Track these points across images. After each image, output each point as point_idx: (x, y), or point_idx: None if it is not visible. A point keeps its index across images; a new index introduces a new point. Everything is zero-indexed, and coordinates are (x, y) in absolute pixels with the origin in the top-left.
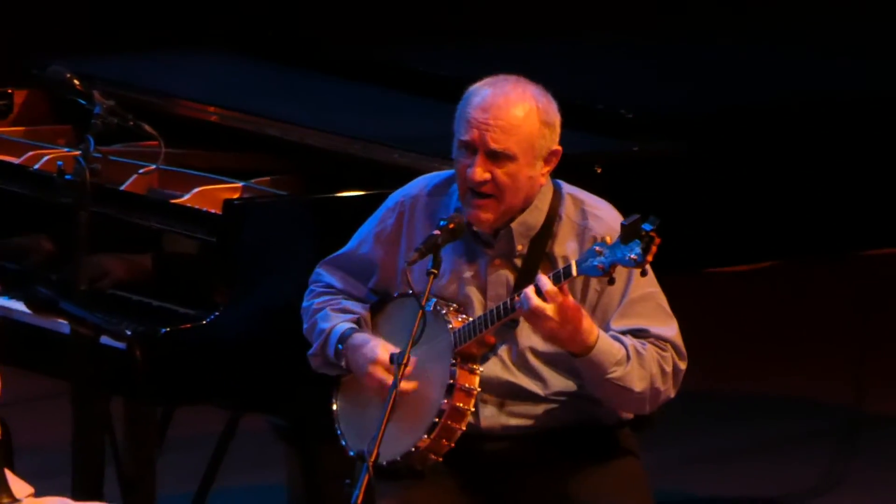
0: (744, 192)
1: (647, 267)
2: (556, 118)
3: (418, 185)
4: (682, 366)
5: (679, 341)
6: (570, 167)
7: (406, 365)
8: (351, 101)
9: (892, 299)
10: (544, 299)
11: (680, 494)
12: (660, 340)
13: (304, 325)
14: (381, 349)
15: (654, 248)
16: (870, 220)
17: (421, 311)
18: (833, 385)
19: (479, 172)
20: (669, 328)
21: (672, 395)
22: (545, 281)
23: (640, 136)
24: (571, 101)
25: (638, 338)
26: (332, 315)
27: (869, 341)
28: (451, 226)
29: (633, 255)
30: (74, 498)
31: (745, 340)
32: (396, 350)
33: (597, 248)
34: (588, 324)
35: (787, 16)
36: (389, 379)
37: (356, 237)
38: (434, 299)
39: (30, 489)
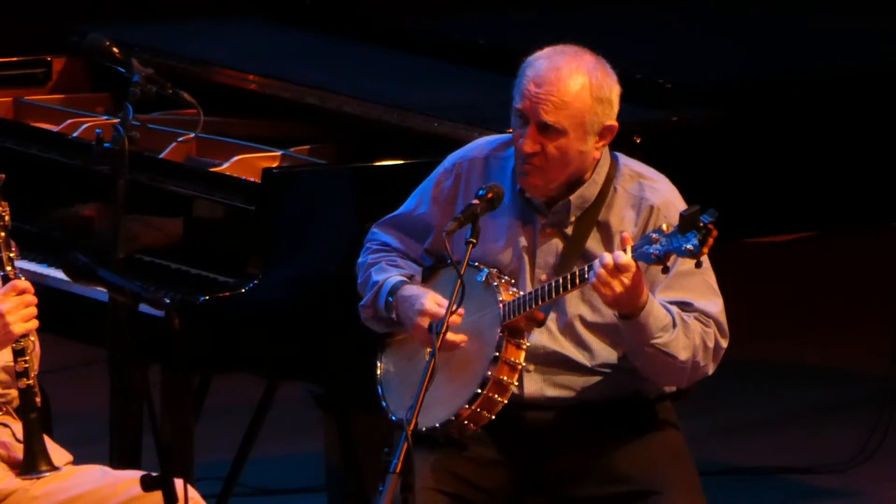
0: (782, 162)
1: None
2: (613, 93)
3: (476, 147)
4: (724, 343)
5: (723, 319)
6: None
7: (444, 333)
8: (389, 69)
9: None
10: (618, 270)
11: (716, 464)
12: (704, 315)
13: (359, 280)
14: (429, 300)
15: (710, 241)
16: None
17: (459, 281)
18: (869, 355)
19: (530, 144)
20: (714, 304)
21: (710, 371)
22: (620, 254)
23: (678, 106)
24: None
25: (682, 311)
26: (387, 268)
27: None
28: (490, 195)
29: (689, 246)
30: (112, 465)
31: (781, 310)
32: (447, 302)
33: (653, 235)
34: (643, 285)
35: None
36: None
37: (412, 198)
38: (486, 270)
39: (68, 457)
